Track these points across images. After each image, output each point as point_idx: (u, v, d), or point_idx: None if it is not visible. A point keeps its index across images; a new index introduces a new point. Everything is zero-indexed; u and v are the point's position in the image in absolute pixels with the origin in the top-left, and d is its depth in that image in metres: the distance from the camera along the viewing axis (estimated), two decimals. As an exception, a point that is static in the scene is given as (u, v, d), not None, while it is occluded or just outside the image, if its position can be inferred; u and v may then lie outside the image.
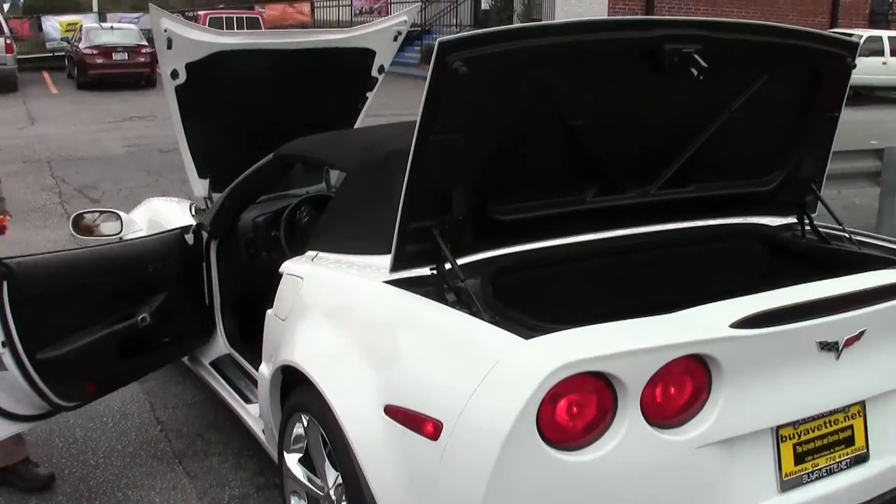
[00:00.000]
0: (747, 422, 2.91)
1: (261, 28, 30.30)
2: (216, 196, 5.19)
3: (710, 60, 3.25)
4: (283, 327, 3.73)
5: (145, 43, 26.00)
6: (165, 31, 4.80)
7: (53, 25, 33.34)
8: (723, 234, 4.12)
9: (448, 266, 3.16)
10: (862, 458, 3.20)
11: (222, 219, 4.91)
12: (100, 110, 21.18)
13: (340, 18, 33.91)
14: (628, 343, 2.70)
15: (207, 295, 5.06)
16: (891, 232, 8.33)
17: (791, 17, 29.21)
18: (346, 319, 3.48)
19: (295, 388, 3.59)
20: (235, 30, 29.15)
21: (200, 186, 5.42)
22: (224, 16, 31.66)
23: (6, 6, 37.57)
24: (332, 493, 3.34)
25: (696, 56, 3.23)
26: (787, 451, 3.03)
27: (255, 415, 4.30)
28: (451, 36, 2.92)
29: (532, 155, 3.36)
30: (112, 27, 27.99)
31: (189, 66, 4.96)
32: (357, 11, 34.25)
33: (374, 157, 3.80)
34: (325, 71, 5.47)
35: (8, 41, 25.26)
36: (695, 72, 3.23)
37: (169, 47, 4.85)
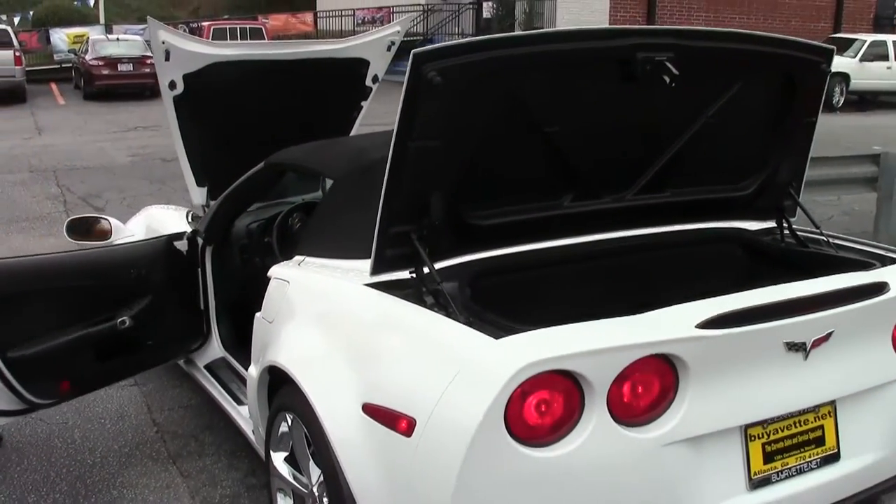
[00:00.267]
0: (714, 420, 2.98)
1: (264, 38, 30.41)
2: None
3: (683, 68, 3.31)
4: (270, 329, 3.83)
5: (150, 54, 26.04)
6: (163, 43, 4.89)
7: (61, 38, 33.47)
8: (702, 238, 4.17)
9: (426, 270, 3.24)
10: (833, 458, 3.25)
11: (216, 225, 5.00)
12: (105, 120, 21.34)
13: (343, 29, 34.03)
14: (594, 342, 2.78)
15: (203, 300, 5.16)
16: (889, 238, 8.40)
17: (794, 23, 29.28)
18: (329, 321, 3.57)
19: (281, 389, 3.68)
20: (239, 40, 29.40)
21: (198, 194, 5.50)
22: (227, 26, 31.77)
23: (16, 19, 37.77)
24: (315, 490, 3.42)
25: (668, 64, 3.29)
26: (756, 450, 3.09)
27: (245, 416, 4.39)
28: (426, 47, 3.01)
29: (508, 161, 3.44)
30: (118, 39, 28.04)
31: (186, 77, 5.05)
32: (360, 21, 34.38)
33: (360, 164, 3.88)
34: (319, 81, 5.55)
35: (17, 53, 25.46)
36: (667, 79, 3.30)
37: (167, 59, 4.94)
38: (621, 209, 3.82)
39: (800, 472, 3.18)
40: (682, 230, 4.10)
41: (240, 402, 4.65)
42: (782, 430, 3.15)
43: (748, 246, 4.26)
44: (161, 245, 5.04)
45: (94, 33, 30.74)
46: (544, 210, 3.64)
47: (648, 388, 2.86)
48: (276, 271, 3.99)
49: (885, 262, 3.80)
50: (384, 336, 3.24)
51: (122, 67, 25.83)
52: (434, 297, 3.21)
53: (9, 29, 28.10)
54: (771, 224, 4.29)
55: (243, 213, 5.21)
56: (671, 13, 27.49)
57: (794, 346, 3.04)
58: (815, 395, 3.20)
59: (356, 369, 3.19)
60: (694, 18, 27.55)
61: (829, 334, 3.10)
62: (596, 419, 2.77)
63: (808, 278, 3.34)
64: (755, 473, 3.08)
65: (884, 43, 25.99)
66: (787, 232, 4.24)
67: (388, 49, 5.80)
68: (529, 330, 2.83)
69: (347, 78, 5.72)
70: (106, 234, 5.75)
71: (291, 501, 3.70)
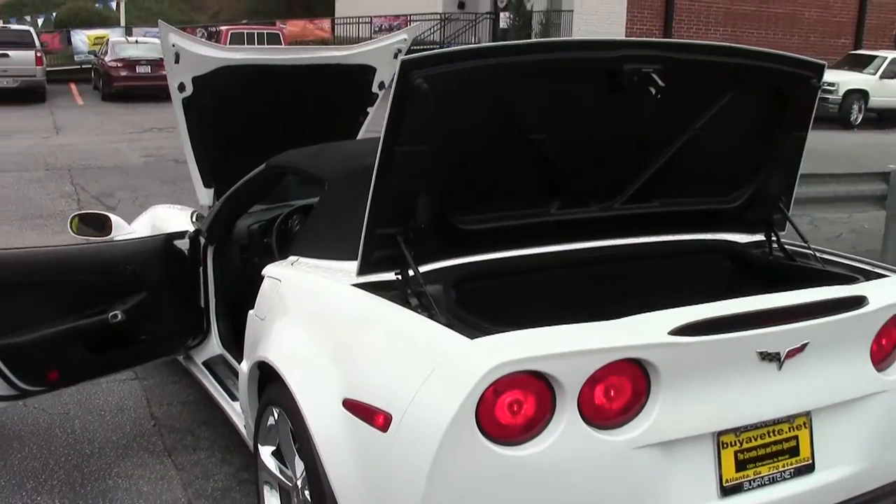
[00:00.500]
0: (686, 426, 3.03)
1: (281, 43, 30.49)
2: None
3: (671, 80, 3.38)
4: (262, 326, 3.92)
5: (169, 57, 26.18)
6: (173, 45, 4.97)
7: (82, 39, 33.71)
8: (690, 248, 4.22)
9: (411, 272, 3.32)
10: (807, 470, 3.28)
11: (218, 225, 5.09)
12: (122, 121, 21.51)
13: (360, 35, 34.14)
14: (565, 345, 2.85)
15: (203, 298, 5.25)
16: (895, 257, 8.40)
17: (813, 38, 29.19)
18: (315, 319, 3.66)
19: (269, 384, 3.76)
20: (256, 44, 29.50)
21: (205, 195, 5.58)
22: (245, 31, 31.81)
23: (40, 21, 38.01)
24: (299, 483, 3.50)
25: (655, 76, 3.36)
26: (728, 457, 3.13)
27: (239, 411, 4.47)
28: (415, 55, 3.10)
29: (495, 167, 3.51)
30: (137, 41, 28.21)
31: (195, 80, 5.13)
32: (377, 28, 34.50)
33: (353, 168, 3.96)
34: (327, 86, 5.62)
35: (38, 54, 25.78)
36: (653, 90, 3.37)
37: (176, 61, 5.02)
38: (609, 218, 3.88)
39: (772, 481, 3.21)
40: (670, 240, 4.15)
41: (234, 398, 4.72)
42: (755, 439, 3.19)
43: (736, 258, 4.30)
44: (158, 243, 5.15)
45: (115, 35, 30.91)
46: (531, 216, 3.71)
47: (620, 391, 2.92)
48: (269, 270, 4.08)
49: (869, 276, 3.84)
50: (366, 334, 3.31)
51: (140, 69, 26.00)
52: (418, 298, 3.28)
53: (31, 30, 28.43)
54: (761, 237, 4.33)
55: (244, 213, 5.28)
56: (689, 27, 27.46)
57: (767, 356, 3.08)
58: (790, 406, 3.23)
59: (339, 366, 3.27)
60: (711, 33, 27.52)
61: (804, 345, 3.14)
62: (567, 420, 2.83)
63: (786, 290, 3.39)
64: (727, 481, 3.12)
65: (905, 60, 25.86)
66: (775, 245, 4.28)
67: (395, 56, 5.87)
68: (505, 331, 2.91)
69: (354, 84, 5.79)
70: (106, 231, 5.86)
71: (277, 494, 3.77)
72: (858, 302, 3.32)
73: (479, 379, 2.69)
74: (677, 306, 3.14)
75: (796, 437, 3.27)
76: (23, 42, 25.99)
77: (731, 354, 3.07)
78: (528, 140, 3.47)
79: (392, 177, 3.22)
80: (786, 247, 4.26)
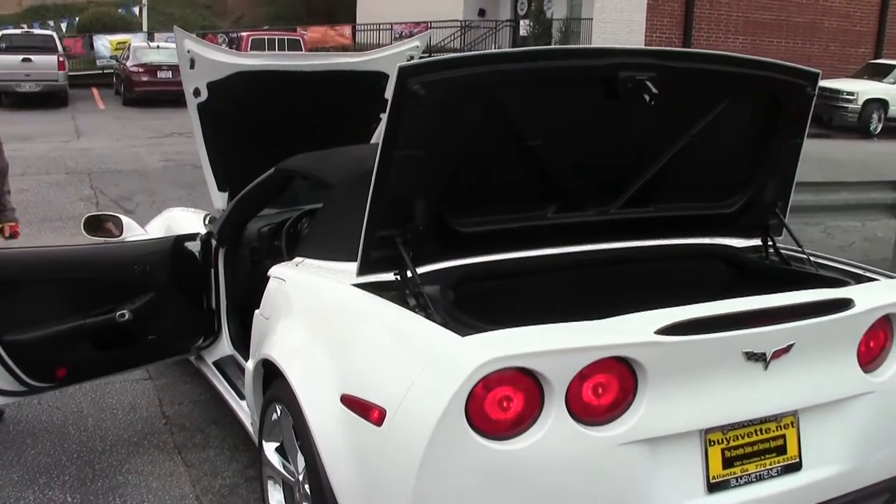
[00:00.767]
0: (673, 423, 3.11)
1: (301, 49, 30.56)
2: None
3: (665, 87, 3.46)
4: (266, 325, 4.03)
5: (189, 62, 26.34)
6: (188, 51, 5.07)
7: (104, 44, 33.95)
8: (686, 252, 4.30)
9: (409, 273, 3.41)
10: (794, 468, 3.35)
11: (229, 228, 5.20)
12: (142, 126, 21.69)
13: (381, 42, 34.27)
14: (552, 343, 2.95)
15: (214, 299, 5.36)
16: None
17: (833, 47, 29.12)
18: (317, 318, 3.77)
19: (273, 381, 3.86)
20: (276, 50, 29.60)
21: (220, 199, 5.65)
22: (266, 37, 31.96)
23: (63, 25, 38.31)
24: (301, 478, 3.59)
25: (649, 83, 3.44)
26: (716, 454, 3.21)
27: (246, 410, 4.57)
28: (412, 62, 3.20)
29: (492, 171, 3.60)
30: (158, 46, 28.35)
31: (210, 85, 5.22)
32: (397, 35, 34.63)
33: (357, 171, 4.03)
34: (340, 92, 5.70)
35: (61, 58, 26.00)
36: (647, 98, 3.46)
37: (192, 67, 5.12)
38: (605, 222, 3.96)
39: (759, 478, 3.28)
40: (667, 244, 4.23)
41: (243, 397, 4.80)
42: (743, 437, 3.26)
43: (732, 262, 4.38)
44: (168, 244, 5.25)
45: (137, 40, 31.08)
46: (528, 220, 3.80)
47: (607, 389, 3.01)
48: (274, 271, 4.20)
49: (860, 280, 3.92)
50: (364, 332, 3.42)
51: (161, 74, 26.09)
52: (416, 298, 3.38)
53: (54, 34, 28.74)
54: (757, 242, 4.41)
55: (255, 216, 5.39)
56: (708, 35, 27.43)
57: (753, 356, 3.16)
58: (777, 405, 3.30)
59: (338, 363, 3.38)
60: (731, 41, 27.48)
61: (790, 346, 3.22)
62: (555, 416, 2.92)
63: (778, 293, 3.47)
64: (714, 477, 3.20)
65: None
66: (771, 250, 4.35)
67: None
68: (496, 329, 3.01)
69: (367, 90, 5.85)
70: (119, 231, 5.97)
71: (281, 489, 3.87)
72: (844, 304, 3.39)
73: (468, 374, 2.78)
74: (670, 307, 3.22)
75: (783, 436, 3.34)
76: (46, 47, 26.30)
77: (717, 354, 3.15)
78: (524, 145, 3.55)
79: (390, 180, 3.31)
80: (781, 251, 4.33)
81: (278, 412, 3.76)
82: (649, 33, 26.70)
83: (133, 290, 5.00)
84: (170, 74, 25.42)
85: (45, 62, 25.34)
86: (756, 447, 3.29)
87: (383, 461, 3.03)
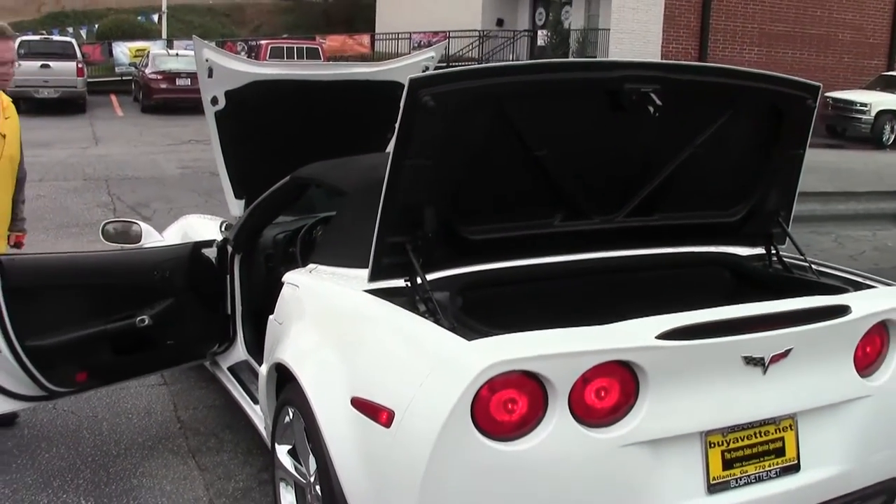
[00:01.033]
0: (674, 426, 3.20)
1: (320, 58, 30.72)
2: None
3: (669, 99, 3.55)
4: (280, 330, 4.13)
5: (209, 69, 26.44)
6: (207, 60, 5.17)
7: (123, 51, 34.17)
8: (691, 260, 4.39)
9: (419, 279, 3.50)
10: (792, 469, 3.44)
11: (244, 235, 5.29)
12: (160, 133, 21.86)
13: (399, 51, 34.41)
14: (555, 347, 3.04)
15: (230, 305, 5.45)
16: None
17: (846, 59, 29.14)
18: (329, 322, 3.87)
19: (286, 385, 3.95)
20: (296, 59, 29.72)
21: (236, 206, 5.75)
22: (285, 45, 32.11)
23: (83, 32, 38.56)
24: (312, 480, 3.68)
25: (653, 95, 3.54)
26: (716, 456, 3.29)
27: (260, 414, 4.65)
28: (422, 74, 3.30)
29: (500, 180, 3.69)
30: (177, 54, 28.49)
31: (228, 94, 5.32)
32: (416, 45, 34.76)
33: (370, 180, 4.09)
34: (355, 101, 5.78)
35: (80, 65, 26.27)
36: (651, 109, 3.55)
37: (210, 76, 5.22)
38: (611, 230, 4.04)
39: (758, 479, 3.37)
40: (672, 252, 4.31)
41: (257, 402, 4.89)
42: (742, 440, 3.35)
43: (736, 270, 4.46)
44: (186, 250, 5.34)
45: (156, 48, 31.29)
46: (535, 228, 3.88)
47: (609, 391, 3.09)
48: (288, 277, 4.29)
49: (859, 288, 4.01)
50: (375, 337, 3.52)
51: (180, 82, 26.26)
52: (425, 304, 3.47)
53: (73, 41, 28.91)
54: (761, 250, 4.49)
55: (270, 223, 5.47)
56: (724, 47, 27.47)
57: (752, 361, 3.25)
58: (775, 408, 3.39)
59: (349, 366, 3.48)
60: (746, 53, 27.52)
61: (788, 351, 3.30)
62: (558, 418, 3.01)
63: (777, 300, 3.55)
64: (714, 478, 3.29)
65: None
66: (774, 258, 4.44)
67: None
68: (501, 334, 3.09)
69: (382, 100, 5.88)
70: (137, 238, 6.06)
71: (293, 491, 3.96)
72: (841, 311, 3.48)
73: (474, 377, 2.88)
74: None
75: (782, 439, 3.43)
76: (65, 53, 26.50)
77: (717, 358, 3.24)
78: (531, 155, 3.64)
79: (401, 189, 3.40)
80: (784, 259, 4.41)
81: (291, 415, 3.85)
82: (665, 44, 26.76)
83: (152, 296, 5.07)
84: (188, 82, 25.51)
85: (63, 68, 25.58)
86: (755, 449, 3.38)
87: (391, 462, 3.12)
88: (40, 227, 10.74)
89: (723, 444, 3.32)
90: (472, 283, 3.78)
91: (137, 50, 33.15)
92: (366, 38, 40.15)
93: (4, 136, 5.09)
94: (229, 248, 5.34)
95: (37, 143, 17.59)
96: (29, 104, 24.95)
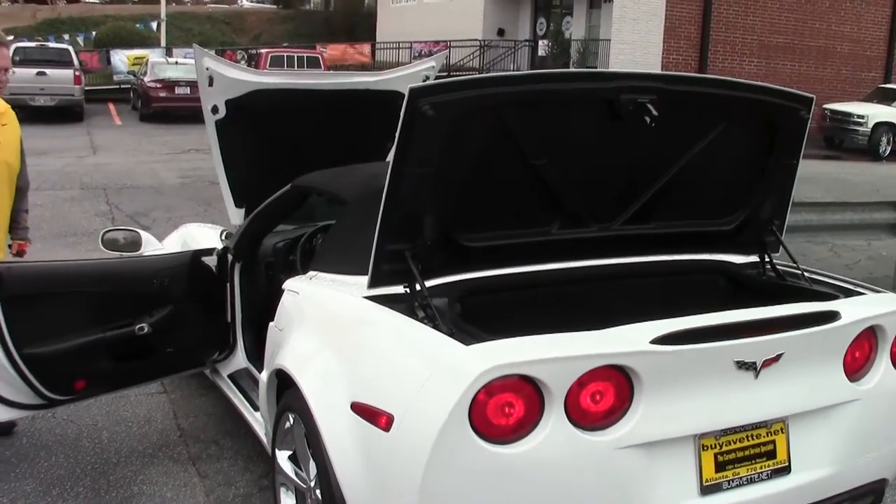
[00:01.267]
0: (667, 429, 3.27)
1: (321, 67, 30.64)
2: None
3: (665, 110, 3.63)
4: (281, 336, 4.18)
5: (208, 78, 26.35)
6: (207, 69, 5.22)
7: (121, 59, 33.95)
8: (687, 268, 4.46)
9: (418, 286, 3.55)
10: (783, 471, 3.52)
11: (245, 243, 5.33)
12: (159, 142, 21.80)
13: (400, 60, 34.48)
14: (551, 352, 3.10)
15: (230, 313, 5.48)
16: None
17: (844, 71, 29.26)
18: (329, 328, 3.93)
19: (286, 391, 4.00)
20: (296, 68, 29.66)
21: (236, 215, 5.81)
22: (285, 54, 31.97)
23: (80, 39, 38.54)
24: (312, 484, 3.73)
25: (649, 105, 3.61)
26: (709, 458, 3.37)
27: (260, 420, 4.69)
28: (422, 83, 3.35)
29: (498, 189, 3.75)
30: (176, 62, 28.34)
31: (228, 103, 5.37)
32: (416, 54, 34.81)
33: (369, 188, 4.14)
34: (356, 110, 5.83)
35: (77, 73, 25.91)
36: (648, 119, 3.62)
37: (210, 84, 5.27)
38: (608, 238, 4.11)
39: (750, 481, 3.45)
40: (667, 260, 4.38)
41: (257, 409, 4.91)
42: (734, 443, 3.42)
43: (730, 277, 4.53)
44: (186, 258, 5.35)
45: (155, 56, 31.09)
46: (533, 236, 3.94)
47: (604, 395, 3.16)
48: (288, 284, 4.35)
49: (850, 294, 4.10)
50: (374, 342, 3.58)
51: (179, 90, 26.02)
52: (424, 310, 3.52)
53: (70, 48, 28.63)
54: (755, 258, 4.55)
55: (270, 232, 5.51)
56: (724, 58, 27.54)
57: (744, 365, 3.33)
58: (766, 412, 3.47)
59: (349, 372, 3.54)
60: (746, 64, 27.62)
61: (779, 356, 3.38)
62: (554, 421, 3.08)
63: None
64: (707, 480, 3.36)
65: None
66: (768, 266, 4.51)
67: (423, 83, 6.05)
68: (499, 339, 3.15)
69: (382, 109, 5.90)
70: (137, 246, 6.10)
71: (293, 496, 4.00)
72: (831, 317, 3.56)
73: (471, 381, 2.94)
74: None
75: (773, 441, 3.51)
76: (62, 60, 26.14)
77: (710, 363, 3.31)
78: (529, 164, 3.70)
79: (400, 197, 3.46)
80: (778, 267, 4.48)
81: (291, 420, 3.90)
82: (666, 55, 26.85)
83: (152, 304, 5.08)
84: (187, 90, 25.23)
85: (60, 76, 25.25)
86: (747, 452, 3.46)
87: (391, 465, 3.18)
88: (37, 237, 10.42)
89: (716, 446, 3.38)
90: (470, 289, 3.83)
91: (136, 58, 32.93)
92: (366, 48, 40.11)
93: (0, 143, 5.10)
94: (229, 257, 5.37)
95: (33, 152, 17.02)
96: (24, 112, 24.42)
